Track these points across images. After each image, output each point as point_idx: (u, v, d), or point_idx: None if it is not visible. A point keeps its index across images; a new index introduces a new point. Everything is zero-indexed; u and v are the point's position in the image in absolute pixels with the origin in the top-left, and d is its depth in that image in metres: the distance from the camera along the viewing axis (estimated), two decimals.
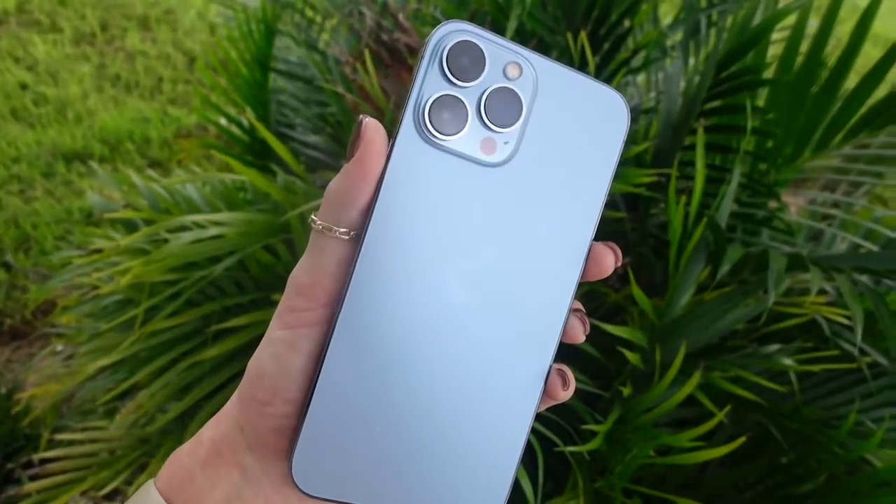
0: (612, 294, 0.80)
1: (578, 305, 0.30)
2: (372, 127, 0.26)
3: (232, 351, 0.87)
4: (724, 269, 0.58)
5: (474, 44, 0.26)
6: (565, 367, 0.29)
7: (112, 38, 2.47)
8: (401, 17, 0.83)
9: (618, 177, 0.74)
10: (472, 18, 0.71)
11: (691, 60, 1.08)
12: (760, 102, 0.82)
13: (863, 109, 0.74)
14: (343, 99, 0.85)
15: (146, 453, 0.98)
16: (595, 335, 0.81)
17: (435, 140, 0.26)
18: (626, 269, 0.99)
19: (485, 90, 0.27)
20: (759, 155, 0.79)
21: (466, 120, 0.27)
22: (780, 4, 0.82)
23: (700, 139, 0.63)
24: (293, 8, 1.31)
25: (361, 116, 0.26)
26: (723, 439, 0.79)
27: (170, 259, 0.82)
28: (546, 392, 0.29)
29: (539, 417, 0.71)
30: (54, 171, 1.97)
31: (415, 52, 0.80)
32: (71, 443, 1.03)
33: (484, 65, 0.26)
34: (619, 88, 1.01)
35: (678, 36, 1.11)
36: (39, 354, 1.53)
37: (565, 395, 0.29)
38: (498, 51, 0.27)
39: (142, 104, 2.22)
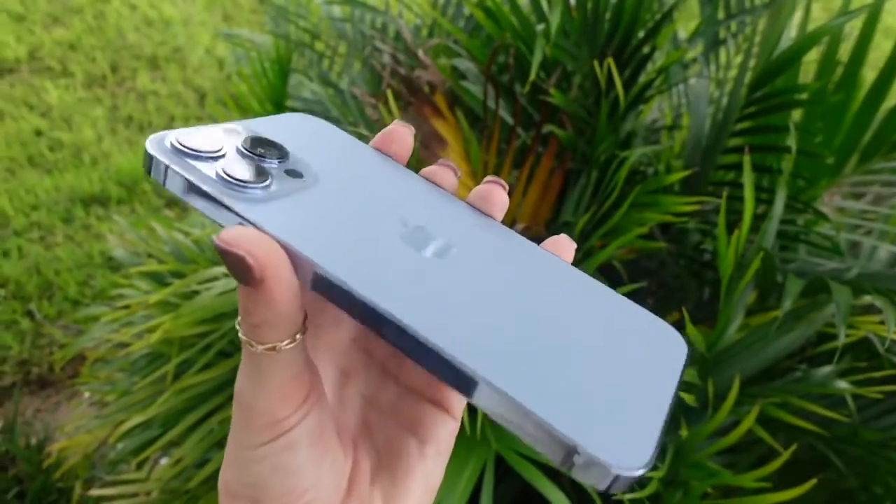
0: None
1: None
2: (253, 244, 0.21)
3: None
4: (787, 304, 0.55)
5: (190, 132, 0.26)
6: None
7: (123, 80, 2.49)
8: (421, 53, 0.81)
9: (652, 205, 0.72)
10: (496, 53, 0.70)
11: (714, 72, 1.05)
12: (796, 117, 0.80)
13: None
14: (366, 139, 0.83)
15: None
16: None
17: (263, 193, 0.25)
18: (663, 293, 0.97)
19: (239, 143, 0.26)
20: (799, 174, 0.77)
21: (263, 162, 0.26)
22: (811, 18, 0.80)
23: (747, 166, 0.61)
24: (303, 44, 1.31)
25: (217, 241, 0.21)
26: (774, 463, 0.76)
27: (199, 312, 0.80)
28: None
29: None
30: (73, 216, 1.98)
31: (435, 88, 0.79)
32: (100, 499, 1.01)
33: (216, 134, 0.26)
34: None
35: (699, 48, 1.09)
36: (68, 405, 1.52)
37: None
38: (207, 130, 0.27)
39: None
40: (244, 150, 0.26)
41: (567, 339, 0.24)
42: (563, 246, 0.28)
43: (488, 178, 0.29)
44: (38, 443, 1.34)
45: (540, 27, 0.76)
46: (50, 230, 1.94)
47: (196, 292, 0.86)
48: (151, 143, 0.25)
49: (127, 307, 0.91)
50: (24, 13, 2.72)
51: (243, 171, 0.25)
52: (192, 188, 0.24)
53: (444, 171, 0.29)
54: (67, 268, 1.82)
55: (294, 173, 0.26)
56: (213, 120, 2.32)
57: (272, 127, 0.29)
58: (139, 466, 1.04)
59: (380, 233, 0.25)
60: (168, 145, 0.25)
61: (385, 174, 0.28)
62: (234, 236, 0.21)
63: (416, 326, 0.22)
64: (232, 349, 0.88)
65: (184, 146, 0.25)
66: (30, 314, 1.72)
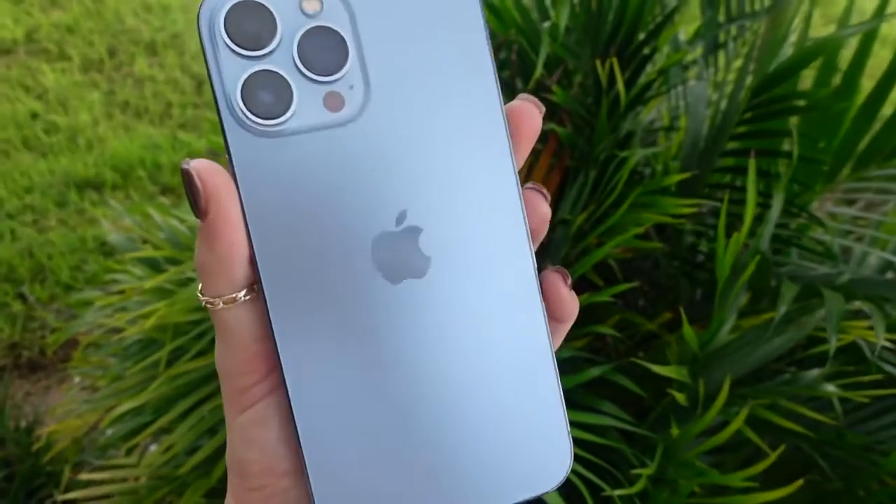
0: (647, 323, 0.78)
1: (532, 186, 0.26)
2: (208, 171, 0.21)
3: None
4: (783, 309, 0.56)
5: (251, 0, 0.21)
6: (557, 274, 0.25)
7: (120, 65, 2.48)
8: None
9: (650, 206, 0.72)
10: (499, 49, 0.70)
11: (714, 76, 1.06)
12: (793, 122, 0.81)
13: None
14: None
15: (173, 491, 0.97)
16: (629, 364, 0.79)
17: (270, 130, 0.21)
18: (654, 294, 0.98)
19: (291, 43, 0.21)
20: (794, 179, 0.77)
21: (290, 88, 0.21)
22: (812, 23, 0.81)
23: (752, 170, 0.61)
24: None
25: (184, 164, 0.21)
26: (762, 463, 0.77)
27: (194, 299, 0.80)
28: (556, 313, 0.25)
29: (584, 461, 0.70)
30: (67, 199, 1.97)
31: None
32: (89, 483, 1.01)
33: (273, 16, 0.21)
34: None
35: (698, 51, 1.10)
36: (58, 389, 1.52)
37: (570, 298, 0.25)
38: (279, 6, 0.21)
39: (152, 130, 2.22)
40: (292, 54, 0.22)
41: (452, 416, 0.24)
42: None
43: (530, 184, 0.25)
44: (28, 426, 1.34)
45: (545, 24, 0.76)
46: (43, 214, 1.93)
47: (191, 279, 0.86)
48: (206, 7, 0.21)
49: (121, 292, 0.91)
50: None
51: (267, 92, 0.21)
52: (211, 87, 0.21)
53: (528, 108, 0.24)
54: (60, 252, 1.81)
55: (333, 99, 0.22)
56: (211, 109, 2.31)
57: None
58: (129, 452, 1.04)
59: (355, 224, 0.22)
60: (216, 24, 0.21)
61: (456, 120, 0.23)
62: (198, 163, 0.21)
63: (294, 401, 0.22)
64: None
65: (226, 34, 0.21)
66: (22, 297, 1.71)
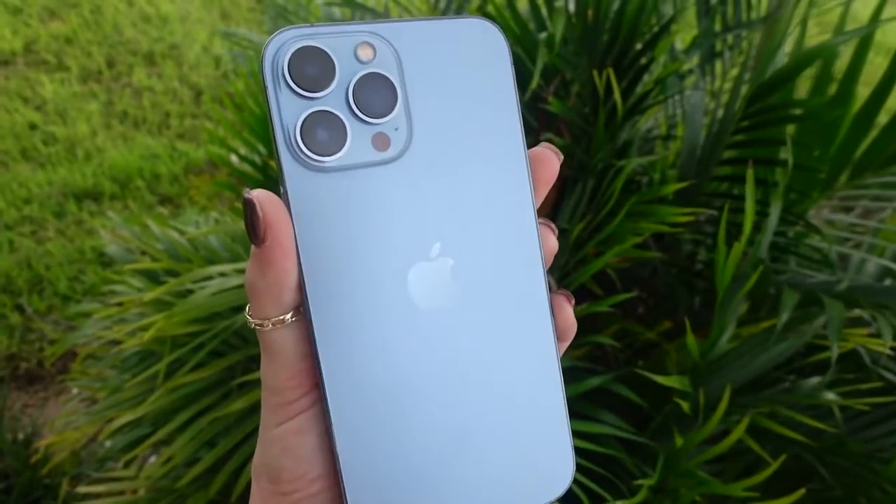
0: (646, 332, 0.78)
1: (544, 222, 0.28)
2: (268, 202, 0.23)
3: (256, 402, 0.85)
4: (784, 316, 0.56)
5: (313, 46, 0.23)
6: (563, 297, 0.27)
7: (118, 75, 2.48)
8: None
9: (647, 215, 0.72)
10: None
11: (710, 85, 1.06)
12: (790, 131, 0.81)
13: None
14: None
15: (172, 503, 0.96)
16: (629, 374, 0.79)
17: (325, 166, 0.23)
18: (654, 302, 0.98)
19: (347, 87, 0.24)
20: (791, 187, 0.78)
21: (345, 128, 0.24)
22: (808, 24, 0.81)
23: (750, 180, 0.62)
24: None
25: (246, 193, 0.23)
26: (763, 472, 0.77)
27: (193, 311, 0.80)
28: (559, 333, 0.27)
29: (585, 471, 0.69)
30: (65, 210, 1.97)
31: None
32: (87, 496, 1.01)
33: (333, 62, 0.23)
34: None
35: (694, 60, 1.10)
36: (56, 401, 1.51)
37: (571, 318, 0.28)
38: (340, 40, 0.24)
39: (150, 140, 2.22)
40: (347, 97, 0.24)
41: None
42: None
43: (540, 220, 0.28)
44: (26, 438, 1.33)
45: (542, 35, 0.76)
46: (42, 224, 1.93)
47: (190, 291, 0.86)
48: (271, 50, 0.23)
49: (120, 304, 0.91)
50: (20, 5, 2.70)
51: (324, 131, 0.23)
52: (271, 122, 0.23)
53: (547, 155, 0.27)
54: (58, 262, 1.81)
55: (381, 140, 0.24)
56: (209, 119, 2.32)
57: (427, 40, 0.25)
58: (128, 464, 1.04)
59: (394, 258, 0.24)
60: (279, 66, 0.23)
61: (485, 162, 0.25)
62: (259, 193, 0.23)
63: (334, 415, 0.24)
64: (224, 349, 0.88)
65: (289, 76, 0.23)
66: (19, 308, 1.71)
